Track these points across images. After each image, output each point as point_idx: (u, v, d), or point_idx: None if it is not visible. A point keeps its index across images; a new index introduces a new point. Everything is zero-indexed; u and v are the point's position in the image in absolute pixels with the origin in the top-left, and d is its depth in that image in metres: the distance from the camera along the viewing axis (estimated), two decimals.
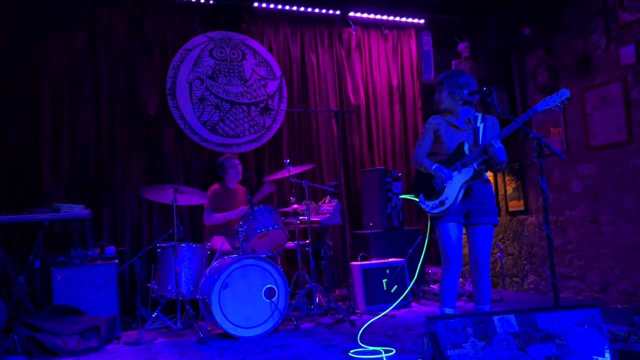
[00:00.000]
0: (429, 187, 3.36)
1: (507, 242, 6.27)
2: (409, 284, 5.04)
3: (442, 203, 3.28)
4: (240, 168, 5.10)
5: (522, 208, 6.08)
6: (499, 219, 6.33)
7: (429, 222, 3.40)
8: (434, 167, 3.31)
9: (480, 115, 3.39)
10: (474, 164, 3.25)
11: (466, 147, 3.28)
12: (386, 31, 6.32)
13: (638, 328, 2.87)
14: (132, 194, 5.12)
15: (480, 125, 3.32)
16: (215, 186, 5.07)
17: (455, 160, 3.29)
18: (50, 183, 4.85)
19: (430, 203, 3.33)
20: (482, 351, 2.06)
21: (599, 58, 5.19)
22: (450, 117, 3.39)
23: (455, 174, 3.28)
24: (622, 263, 4.98)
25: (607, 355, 2.08)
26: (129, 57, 5.25)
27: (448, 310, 3.27)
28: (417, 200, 3.41)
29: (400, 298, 4.83)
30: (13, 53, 4.84)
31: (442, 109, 3.42)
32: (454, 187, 3.27)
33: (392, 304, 4.73)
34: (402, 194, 3.36)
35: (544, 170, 2.84)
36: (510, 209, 6.25)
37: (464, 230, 3.39)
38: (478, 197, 3.31)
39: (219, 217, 4.88)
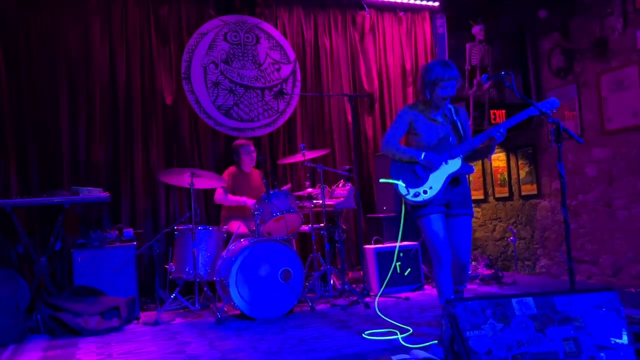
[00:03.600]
0: (411, 174, 3.29)
1: (519, 226, 6.29)
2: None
3: (425, 192, 3.24)
4: (254, 155, 5.11)
5: (535, 192, 6.08)
6: (511, 202, 6.37)
7: (403, 207, 3.30)
8: (423, 155, 3.24)
9: (453, 108, 3.37)
10: (461, 156, 3.25)
11: (452, 140, 3.28)
12: (400, 14, 6.28)
13: None
14: (148, 177, 5.19)
15: (457, 118, 3.32)
16: (232, 169, 5.12)
17: (441, 151, 3.26)
18: (69, 167, 4.93)
19: (412, 191, 3.25)
20: (501, 332, 2.11)
21: (616, 41, 5.14)
22: (429, 111, 3.34)
23: (442, 164, 3.26)
24: (636, 247, 4.99)
25: (625, 337, 2.12)
26: (144, 40, 5.28)
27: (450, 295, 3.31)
28: (399, 186, 3.29)
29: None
30: (30, 40, 4.89)
31: (429, 102, 3.34)
32: (439, 177, 3.25)
33: (406, 287, 4.98)
34: (382, 179, 3.27)
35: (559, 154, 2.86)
36: (523, 193, 6.26)
37: None
38: (459, 189, 3.34)
39: (232, 199, 4.92)
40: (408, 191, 3.26)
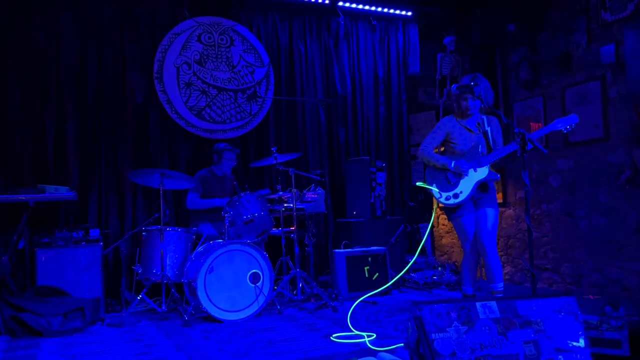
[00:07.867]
0: (444, 180, 3.75)
1: None
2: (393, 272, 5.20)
3: (456, 196, 3.69)
4: (234, 164, 5.07)
5: (501, 200, 6.23)
6: None
7: (433, 212, 3.83)
8: (453, 163, 3.68)
9: (486, 118, 3.82)
10: (488, 165, 3.69)
11: (480, 149, 3.71)
12: (374, 22, 6.37)
13: (609, 317, 3.02)
14: (117, 177, 5.13)
15: (488, 129, 3.77)
16: (203, 172, 5.07)
17: (471, 159, 3.69)
18: (37, 165, 4.83)
19: (445, 194, 3.71)
20: (465, 335, 2.17)
21: (580, 56, 5.32)
22: (464, 121, 3.81)
23: (471, 171, 3.68)
24: (595, 256, 5.16)
25: (582, 340, 2.20)
26: (117, 39, 5.22)
27: (468, 290, 3.90)
28: (433, 190, 3.76)
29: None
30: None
31: (464, 114, 3.79)
32: (468, 183, 3.68)
33: (373, 291, 4.91)
34: (418, 182, 3.75)
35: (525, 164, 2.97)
36: None
37: None
38: (484, 189, 3.79)
39: (205, 203, 4.90)
40: (441, 195, 3.73)
